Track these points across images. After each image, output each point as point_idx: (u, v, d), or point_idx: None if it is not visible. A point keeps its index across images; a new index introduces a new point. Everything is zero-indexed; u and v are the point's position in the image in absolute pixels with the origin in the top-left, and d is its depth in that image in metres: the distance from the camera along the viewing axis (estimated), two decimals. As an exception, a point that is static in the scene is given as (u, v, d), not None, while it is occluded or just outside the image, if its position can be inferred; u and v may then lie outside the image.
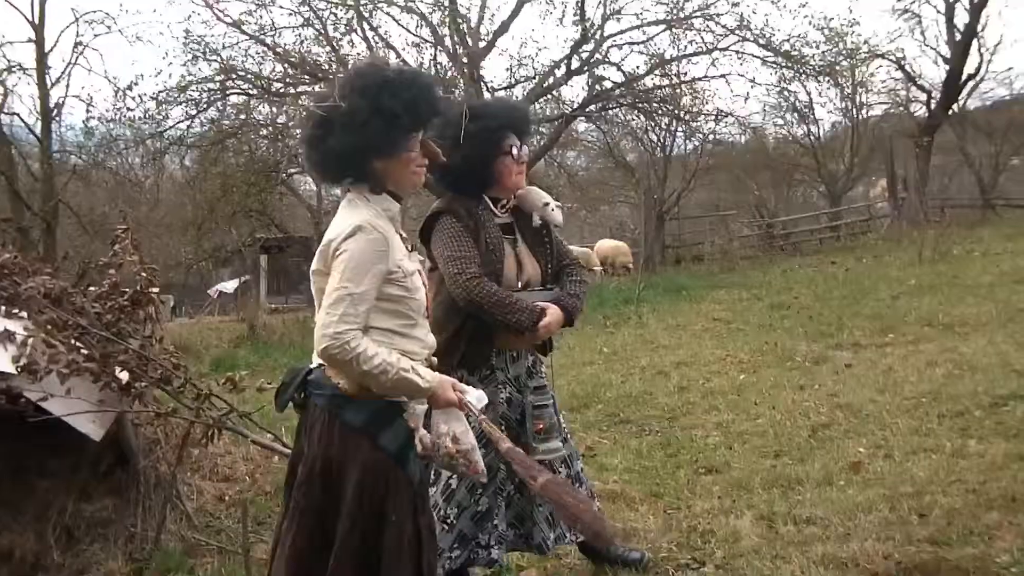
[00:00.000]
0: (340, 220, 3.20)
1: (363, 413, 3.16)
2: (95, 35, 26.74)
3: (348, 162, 3.22)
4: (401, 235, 3.31)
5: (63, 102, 23.41)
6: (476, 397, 3.39)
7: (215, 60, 22.08)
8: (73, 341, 4.88)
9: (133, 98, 21.69)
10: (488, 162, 4.23)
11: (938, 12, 29.26)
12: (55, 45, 28.39)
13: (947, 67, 28.75)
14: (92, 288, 5.42)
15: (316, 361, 3.25)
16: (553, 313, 4.18)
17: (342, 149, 3.17)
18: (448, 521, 4.16)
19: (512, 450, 3.43)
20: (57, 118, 23.39)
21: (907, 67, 29.86)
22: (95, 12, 22.25)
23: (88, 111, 22.55)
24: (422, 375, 3.18)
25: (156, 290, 5.36)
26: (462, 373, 4.09)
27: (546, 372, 4.49)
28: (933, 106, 29.52)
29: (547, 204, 4.41)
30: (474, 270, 4.06)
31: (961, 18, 28.26)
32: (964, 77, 29.03)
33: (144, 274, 5.29)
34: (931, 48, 31.42)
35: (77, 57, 22.61)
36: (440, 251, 4.16)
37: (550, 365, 4.57)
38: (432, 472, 4.10)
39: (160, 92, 21.86)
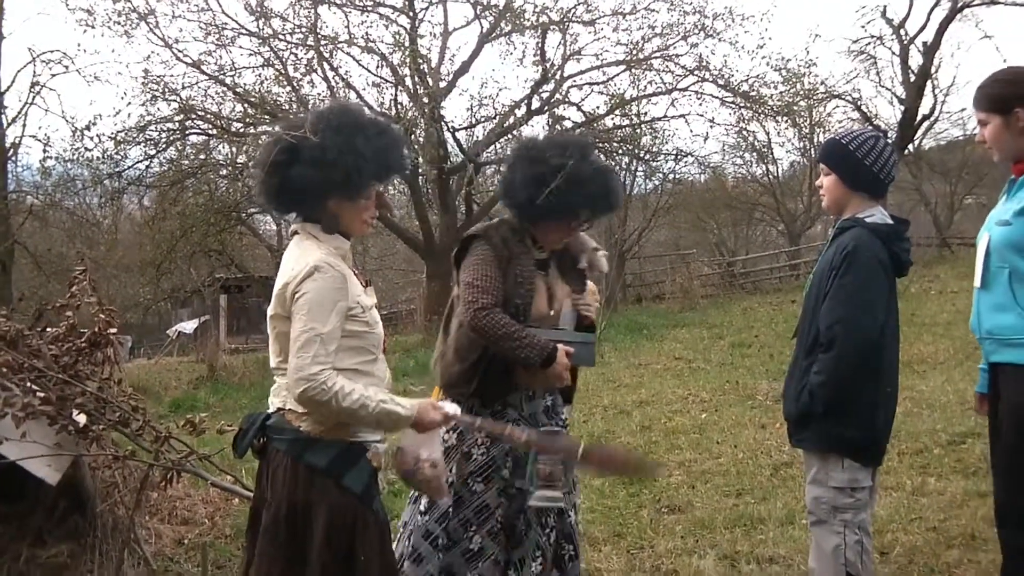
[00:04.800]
0: (293, 261, 3.17)
1: (327, 455, 3.13)
2: (52, 75, 26.45)
3: (305, 195, 3.19)
4: (354, 271, 3.29)
5: (19, 142, 23.33)
6: (452, 409, 3.41)
7: (174, 100, 22.07)
8: (29, 384, 4.82)
9: (91, 138, 21.63)
10: (550, 216, 4.10)
11: (893, 54, 29.53)
12: (11, 85, 28.29)
13: (902, 108, 29.14)
14: (49, 330, 5.36)
15: (274, 406, 3.22)
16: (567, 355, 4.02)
17: (304, 181, 3.14)
18: (437, 543, 4.03)
19: (534, 436, 3.59)
20: (13, 158, 23.30)
21: (863, 107, 30.21)
22: (52, 52, 22.06)
23: (45, 151, 22.46)
24: (401, 404, 3.18)
25: (114, 331, 5.31)
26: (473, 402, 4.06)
27: (566, 418, 4.35)
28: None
29: (597, 249, 4.35)
30: (487, 300, 3.95)
31: (915, 60, 28.66)
32: (919, 118, 29.42)
33: (102, 315, 5.24)
34: (887, 89, 31.82)
35: (34, 97, 22.55)
36: (463, 276, 4.06)
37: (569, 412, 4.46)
38: (426, 501, 4.06)
39: (119, 132, 21.82)
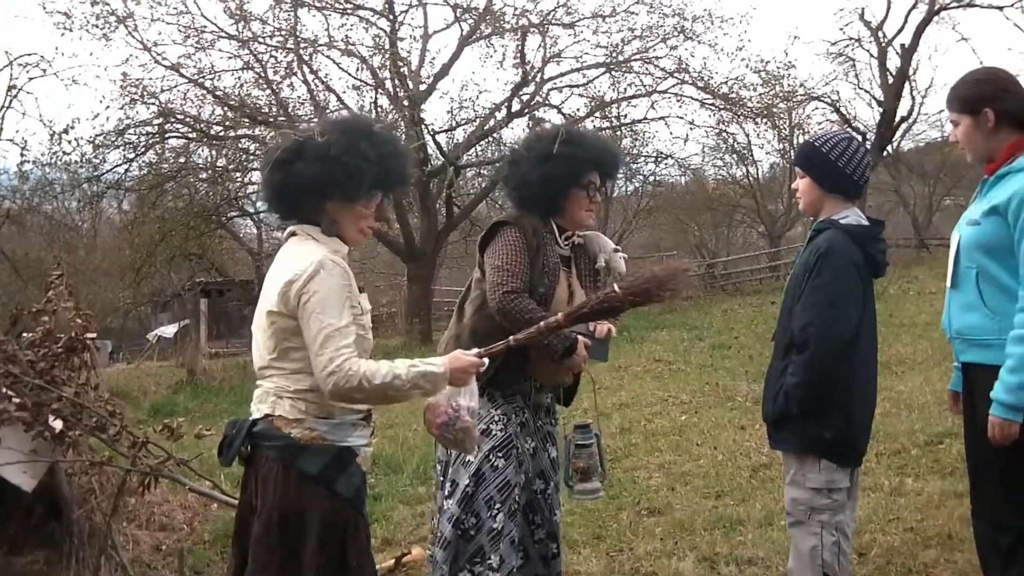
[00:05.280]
0: (296, 258, 3.12)
1: (318, 461, 3.11)
2: (30, 78, 26.24)
3: (306, 192, 3.16)
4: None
5: (-4, 145, 23.14)
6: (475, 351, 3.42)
7: (153, 103, 22.00)
8: (4, 390, 4.79)
9: (69, 141, 21.54)
10: (563, 189, 4.15)
11: (871, 56, 29.72)
12: (-13, 88, 28.09)
13: (880, 110, 29.31)
14: (25, 335, 5.33)
15: (261, 412, 3.18)
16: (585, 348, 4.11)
17: (305, 176, 3.12)
18: (461, 527, 4.04)
19: (564, 318, 3.52)
20: (-10, 161, 23.15)
21: (842, 109, 30.31)
22: (30, 55, 21.87)
23: (23, 155, 22.36)
24: (432, 362, 3.17)
25: (92, 336, 5.27)
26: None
27: (560, 418, 4.43)
28: (868, 147, 29.93)
29: (616, 250, 4.37)
30: (516, 284, 3.98)
31: (893, 62, 28.87)
32: (897, 119, 29.62)
33: (79, 320, 5.21)
34: (865, 91, 31.85)
35: (11, 100, 22.38)
36: (491, 259, 4.09)
37: (595, 406, 4.71)
38: (449, 484, 4.09)
39: (97, 135, 21.75)
